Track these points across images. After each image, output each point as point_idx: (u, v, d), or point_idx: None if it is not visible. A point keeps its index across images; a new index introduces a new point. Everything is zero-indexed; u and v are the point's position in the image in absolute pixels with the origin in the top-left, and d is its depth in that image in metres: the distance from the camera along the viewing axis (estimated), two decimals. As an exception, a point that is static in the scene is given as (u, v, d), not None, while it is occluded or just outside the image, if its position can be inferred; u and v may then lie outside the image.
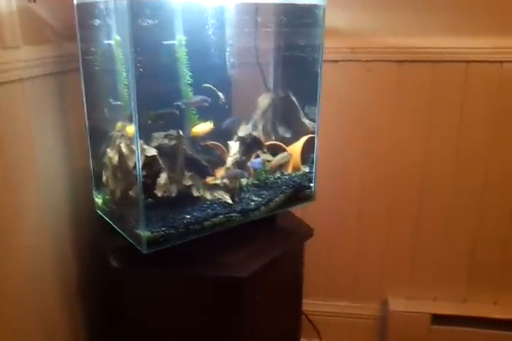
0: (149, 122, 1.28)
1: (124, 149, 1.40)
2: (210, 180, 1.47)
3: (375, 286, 2.12)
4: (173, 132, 1.49)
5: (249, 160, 1.63)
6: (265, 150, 1.69)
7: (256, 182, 1.55)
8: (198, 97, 1.46)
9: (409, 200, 1.98)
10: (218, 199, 1.42)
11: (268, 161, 1.66)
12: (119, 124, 1.31)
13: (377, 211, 2.03)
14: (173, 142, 1.47)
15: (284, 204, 1.54)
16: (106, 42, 1.23)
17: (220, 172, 1.47)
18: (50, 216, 1.40)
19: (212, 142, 1.53)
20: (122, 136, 1.45)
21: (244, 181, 1.68)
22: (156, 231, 1.27)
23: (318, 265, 2.17)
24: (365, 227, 2.07)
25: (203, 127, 1.61)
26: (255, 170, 1.64)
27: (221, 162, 1.54)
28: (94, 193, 1.65)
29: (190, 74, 1.53)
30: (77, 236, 1.53)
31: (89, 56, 1.49)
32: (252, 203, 1.49)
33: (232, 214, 1.42)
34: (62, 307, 1.45)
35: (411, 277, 2.08)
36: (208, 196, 1.44)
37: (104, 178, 1.56)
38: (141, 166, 1.28)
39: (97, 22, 1.39)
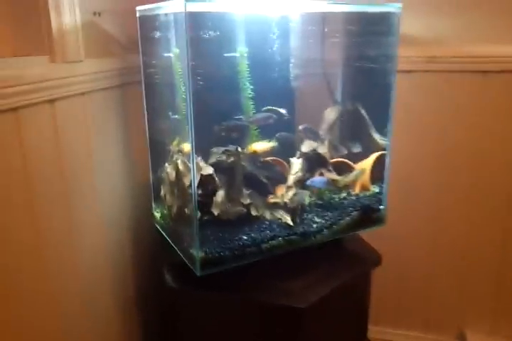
0: (222, 134, 1.35)
1: (180, 166, 1.35)
2: (270, 198, 1.40)
3: (450, 316, 1.91)
4: (232, 148, 1.41)
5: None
6: (330, 168, 1.57)
7: (320, 202, 1.41)
8: (263, 114, 1.39)
9: (493, 221, 1.77)
10: (278, 219, 1.36)
11: (333, 180, 1.54)
12: (176, 139, 1.25)
13: (454, 234, 1.83)
14: (231, 158, 1.39)
15: (349, 228, 1.43)
16: (166, 54, 1.18)
17: (281, 190, 1.37)
18: (110, 230, 1.37)
19: (273, 158, 1.46)
20: (179, 151, 1.39)
21: (306, 200, 1.57)
22: (210, 252, 1.19)
23: (387, 288, 1.99)
24: (441, 251, 1.88)
25: (262, 146, 1.52)
26: (318, 188, 1.52)
27: (282, 179, 1.46)
28: (154, 207, 1.61)
29: (251, 87, 1.46)
30: (136, 251, 1.50)
31: (151, 69, 1.46)
32: (315, 225, 1.41)
33: (292, 237, 1.32)
34: (119, 322, 1.42)
35: (495, 308, 1.86)
36: (268, 216, 1.37)
37: (162, 193, 1.52)
38: (196, 185, 1.21)
39: (157, 34, 1.36)
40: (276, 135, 1.44)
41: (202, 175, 1.30)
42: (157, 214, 1.58)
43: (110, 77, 1.34)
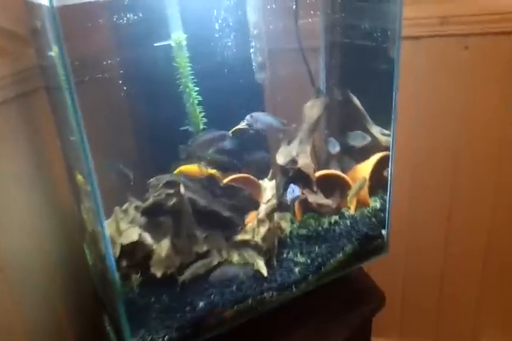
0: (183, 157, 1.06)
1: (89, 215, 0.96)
2: (237, 236, 1.16)
3: (465, 325, 1.70)
4: (175, 178, 1.01)
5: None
6: (315, 188, 1.17)
7: (302, 232, 1.21)
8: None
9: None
10: (247, 264, 1.11)
11: (320, 205, 1.15)
12: (78, 176, 0.85)
13: (468, 241, 1.48)
14: (173, 196, 0.99)
15: (342, 266, 1.18)
16: (49, 53, 0.77)
17: (253, 218, 1.17)
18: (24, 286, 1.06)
19: (236, 176, 1.21)
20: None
21: (287, 228, 1.20)
22: (150, 337, 0.83)
23: (393, 297, 1.65)
24: (453, 258, 1.70)
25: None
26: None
27: (254, 205, 1.18)
28: (84, 246, 1.23)
29: (195, 88, 1.02)
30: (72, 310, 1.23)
31: (44, 71, 1.03)
32: (297, 269, 1.13)
33: (266, 295, 1.09)
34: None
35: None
36: (235, 258, 1.12)
37: (86, 236, 1.14)
38: (114, 259, 0.82)
39: (39, 25, 0.91)
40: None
41: (122, 245, 0.90)
42: (89, 258, 1.21)
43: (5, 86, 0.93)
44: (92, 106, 0.78)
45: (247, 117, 1.11)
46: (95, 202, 0.80)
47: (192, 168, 1.12)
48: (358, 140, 1.31)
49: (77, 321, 1.30)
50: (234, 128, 1.13)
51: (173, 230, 1.06)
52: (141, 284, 1.04)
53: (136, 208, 1.06)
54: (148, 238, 0.99)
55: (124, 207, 1.06)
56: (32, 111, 1.13)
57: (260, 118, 1.11)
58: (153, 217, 1.06)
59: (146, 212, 1.04)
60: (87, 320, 1.31)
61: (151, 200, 1.04)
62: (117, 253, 0.92)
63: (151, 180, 1.09)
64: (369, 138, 1.28)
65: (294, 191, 1.15)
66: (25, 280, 1.09)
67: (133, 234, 0.98)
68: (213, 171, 1.14)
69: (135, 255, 0.97)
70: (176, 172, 1.11)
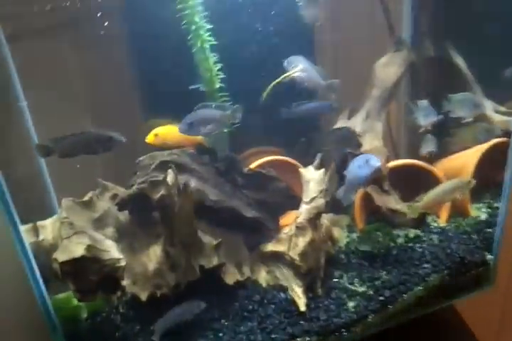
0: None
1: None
2: (265, 246, 0.85)
3: None
4: (172, 158, 0.67)
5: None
6: (386, 185, 0.78)
7: (364, 249, 0.87)
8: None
9: None
10: (281, 289, 0.81)
11: (394, 211, 0.76)
12: None
13: None
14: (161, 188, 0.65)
15: (423, 303, 0.83)
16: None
17: (288, 223, 0.85)
18: None
19: (272, 158, 0.91)
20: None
21: (341, 239, 0.83)
22: None
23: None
24: None
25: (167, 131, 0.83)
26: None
27: (289, 203, 0.86)
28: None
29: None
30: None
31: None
32: (351, 303, 0.80)
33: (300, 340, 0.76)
34: None
35: None
36: (262, 280, 0.82)
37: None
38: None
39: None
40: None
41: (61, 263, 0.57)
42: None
43: None
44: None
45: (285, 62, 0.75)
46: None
47: (171, 130, 0.81)
48: (465, 107, 0.87)
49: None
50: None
51: (166, 234, 0.70)
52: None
53: (114, 198, 0.72)
54: (113, 250, 0.64)
55: (87, 197, 0.72)
56: None
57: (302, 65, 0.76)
58: (136, 213, 0.71)
59: (124, 206, 0.70)
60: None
61: (133, 189, 0.69)
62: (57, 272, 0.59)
63: (142, 158, 0.74)
64: (482, 107, 0.85)
65: (368, 162, 0.74)
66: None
67: (78, 249, 0.62)
68: (200, 138, 0.81)
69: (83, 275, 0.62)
70: (150, 135, 0.82)
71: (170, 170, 0.68)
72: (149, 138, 0.82)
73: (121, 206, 0.72)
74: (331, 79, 0.84)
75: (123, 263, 0.64)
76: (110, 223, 0.72)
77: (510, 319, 1.29)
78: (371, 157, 0.74)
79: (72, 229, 0.64)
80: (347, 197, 0.78)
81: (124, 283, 0.70)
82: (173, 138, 0.80)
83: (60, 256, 0.62)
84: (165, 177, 0.68)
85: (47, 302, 0.60)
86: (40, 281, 0.58)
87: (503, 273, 1.15)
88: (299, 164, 0.92)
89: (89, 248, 0.63)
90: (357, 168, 0.74)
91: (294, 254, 0.81)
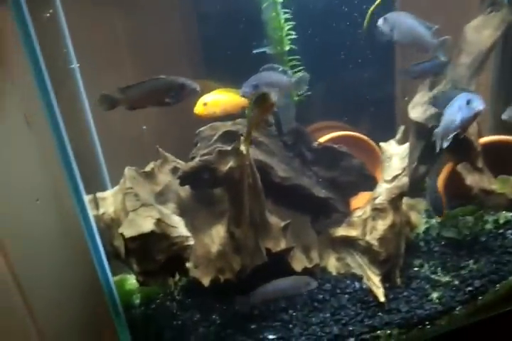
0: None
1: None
2: (337, 230, 0.77)
3: None
4: (237, 128, 0.61)
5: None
6: (480, 163, 0.69)
7: (447, 233, 0.77)
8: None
9: None
10: (355, 277, 0.74)
11: (483, 192, 0.67)
12: None
13: None
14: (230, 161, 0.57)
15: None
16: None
17: (362, 205, 0.78)
18: None
19: (346, 134, 0.83)
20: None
21: (421, 225, 0.82)
22: None
23: None
24: None
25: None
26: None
27: (364, 182, 0.77)
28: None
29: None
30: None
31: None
32: (435, 294, 0.71)
33: (380, 332, 0.67)
34: None
35: None
36: (332, 268, 0.76)
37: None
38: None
39: None
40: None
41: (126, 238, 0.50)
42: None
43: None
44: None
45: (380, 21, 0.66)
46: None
47: (219, 98, 0.71)
48: None
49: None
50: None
51: (232, 213, 0.63)
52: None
53: (174, 171, 0.64)
54: (181, 227, 0.57)
55: (149, 168, 0.65)
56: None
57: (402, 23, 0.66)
58: (198, 188, 0.64)
59: (187, 180, 0.62)
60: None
61: (196, 161, 0.62)
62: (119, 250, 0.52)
63: (202, 128, 0.67)
64: None
65: (470, 103, 0.62)
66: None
67: (146, 224, 0.55)
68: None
69: (151, 253, 0.55)
70: (199, 104, 0.71)
71: (242, 138, 0.60)
72: (198, 109, 0.73)
73: (184, 180, 0.65)
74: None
75: (191, 242, 0.56)
76: (171, 198, 0.65)
77: None
78: (474, 97, 0.63)
79: (139, 201, 0.57)
80: (439, 143, 0.67)
81: (188, 265, 0.64)
82: (223, 106, 0.72)
83: (127, 231, 0.54)
84: (235, 147, 0.60)
85: (111, 284, 0.53)
86: (105, 261, 0.51)
87: None
88: (371, 141, 0.83)
89: (158, 222, 0.55)
90: (456, 109, 0.63)
91: (372, 239, 0.72)
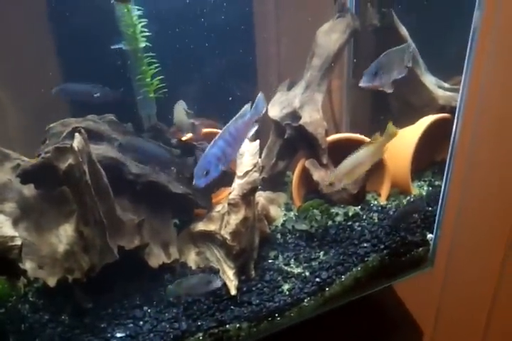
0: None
1: None
2: (195, 226, 0.78)
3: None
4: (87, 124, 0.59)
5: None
6: (325, 159, 0.73)
7: (300, 226, 0.81)
8: None
9: None
10: (211, 271, 0.75)
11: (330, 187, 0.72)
12: None
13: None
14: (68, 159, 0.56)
15: (361, 285, 0.79)
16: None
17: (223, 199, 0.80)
18: None
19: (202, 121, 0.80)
20: None
21: (279, 218, 0.86)
22: None
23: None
24: None
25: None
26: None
27: (223, 180, 0.77)
28: None
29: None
30: None
31: None
32: (287, 286, 0.74)
33: (230, 326, 0.70)
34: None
35: None
36: (192, 262, 0.76)
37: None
38: None
39: None
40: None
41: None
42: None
43: None
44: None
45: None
46: None
47: None
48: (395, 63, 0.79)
49: None
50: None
51: (79, 212, 0.62)
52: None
53: (14, 169, 0.62)
54: (5, 226, 0.55)
55: None
56: None
57: None
58: (43, 187, 0.62)
59: (27, 178, 0.60)
60: None
61: (39, 159, 0.59)
62: None
63: (52, 124, 0.65)
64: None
65: (258, 106, 0.61)
66: None
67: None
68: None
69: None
70: None
71: (77, 135, 0.59)
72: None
73: (24, 178, 0.62)
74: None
75: (18, 242, 0.54)
76: (10, 198, 0.62)
77: (449, 301, 1.30)
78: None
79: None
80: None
81: (27, 266, 0.61)
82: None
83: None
84: (72, 144, 0.59)
85: None
86: None
87: (443, 254, 1.14)
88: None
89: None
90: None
91: (226, 233, 0.75)
